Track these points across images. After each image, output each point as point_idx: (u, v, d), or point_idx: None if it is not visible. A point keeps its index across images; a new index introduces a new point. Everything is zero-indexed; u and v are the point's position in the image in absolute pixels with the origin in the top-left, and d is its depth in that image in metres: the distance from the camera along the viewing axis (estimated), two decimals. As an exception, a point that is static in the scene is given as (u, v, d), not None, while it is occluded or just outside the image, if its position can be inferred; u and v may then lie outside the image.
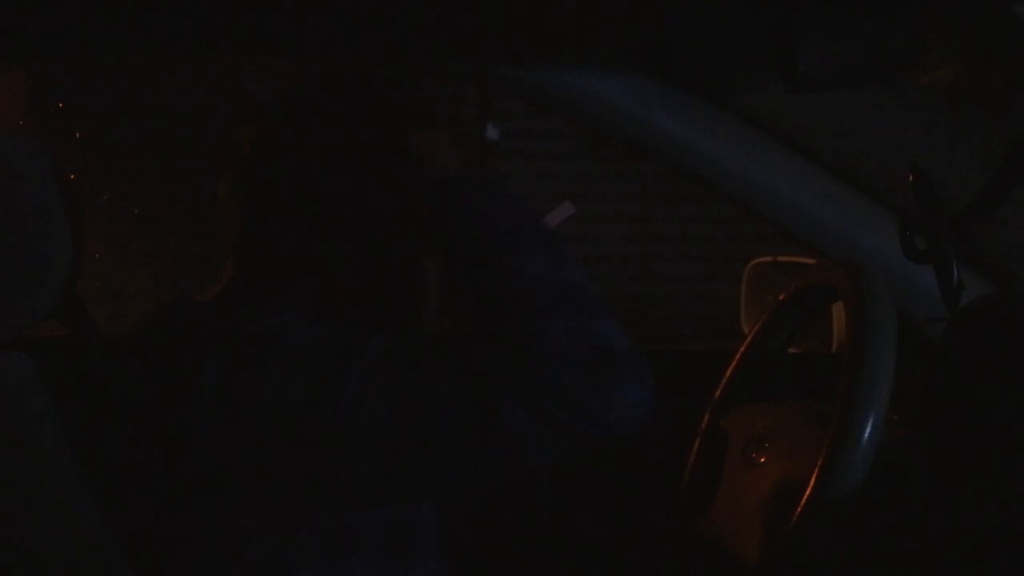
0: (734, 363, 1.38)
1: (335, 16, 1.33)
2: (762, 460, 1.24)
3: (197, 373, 0.97)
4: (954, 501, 1.06)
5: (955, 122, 4.92)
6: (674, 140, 1.54)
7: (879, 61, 1.22)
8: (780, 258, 1.69)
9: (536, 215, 1.06)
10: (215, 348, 0.98)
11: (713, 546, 1.29)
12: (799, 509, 1.07)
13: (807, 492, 1.06)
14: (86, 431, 1.03)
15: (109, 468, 1.02)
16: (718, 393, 1.38)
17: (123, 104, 4.90)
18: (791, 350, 1.47)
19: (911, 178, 1.22)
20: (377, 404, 0.94)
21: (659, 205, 5.35)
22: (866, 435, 1.05)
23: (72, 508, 0.98)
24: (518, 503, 1.67)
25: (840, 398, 1.08)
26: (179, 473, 0.98)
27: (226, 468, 0.97)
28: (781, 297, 1.36)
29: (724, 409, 1.37)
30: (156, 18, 1.34)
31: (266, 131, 1.10)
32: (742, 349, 1.38)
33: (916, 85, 4.80)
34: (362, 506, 1.02)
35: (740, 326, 1.73)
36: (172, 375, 0.99)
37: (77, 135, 4.95)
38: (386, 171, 1.08)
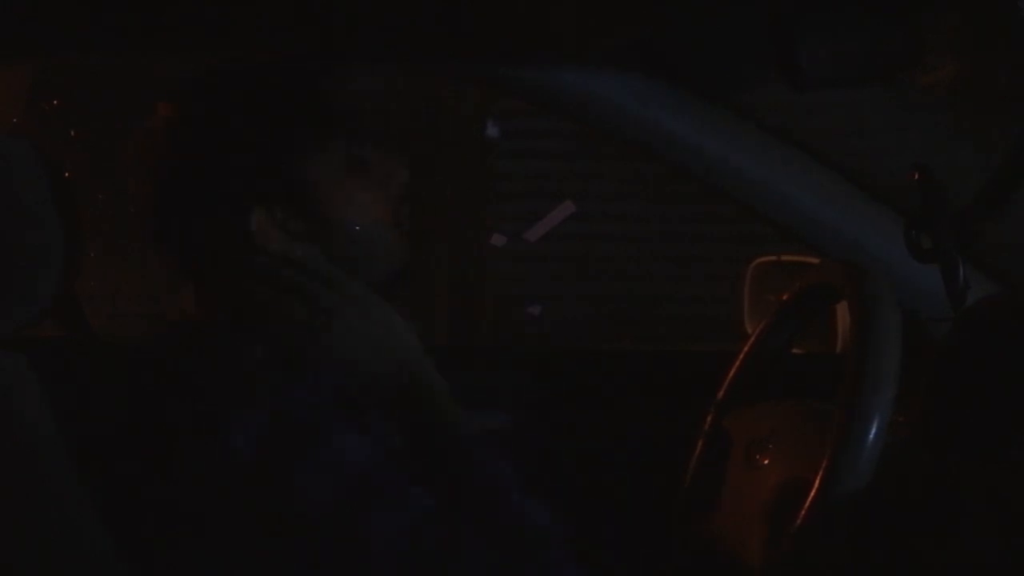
0: (737, 363, 1.38)
1: (335, 16, 1.33)
2: (765, 462, 1.24)
3: (224, 434, 0.97)
4: (957, 503, 1.05)
5: (957, 121, 4.92)
6: (674, 140, 1.54)
7: (881, 60, 1.22)
8: (783, 257, 1.69)
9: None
10: (244, 409, 0.98)
11: (715, 547, 1.29)
12: (803, 511, 1.07)
13: (811, 494, 1.06)
14: (83, 433, 1.03)
15: (104, 470, 1.01)
16: (721, 393, 1.38)
17: (120, 103, 4.89)
18: (795, 350, 1.46)
19: (915, 177, 1.22)
20: (398, 546, 0.97)
21: (659, 205, 5.35)
22: (870, 437, 1.04)
23: (67, 508, 0.98)
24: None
25: (844, 399, 1.07)
26: (171, 504, 0.98)
27: (218, 531, 0.97)
28: (784, 297, 1.36)
29: (727, 409, 1.36)
30: (156, 17, 1.34)
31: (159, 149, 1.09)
32: (745, 349, 1.38)
33: (919, 84, 4.80)
34: None
35: (743, 326, 1.73)
36: (196, 420, 0.99)
37: (73, 133, 4.95)
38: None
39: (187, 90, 1.11)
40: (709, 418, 1.38)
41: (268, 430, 0.98)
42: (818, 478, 1.06)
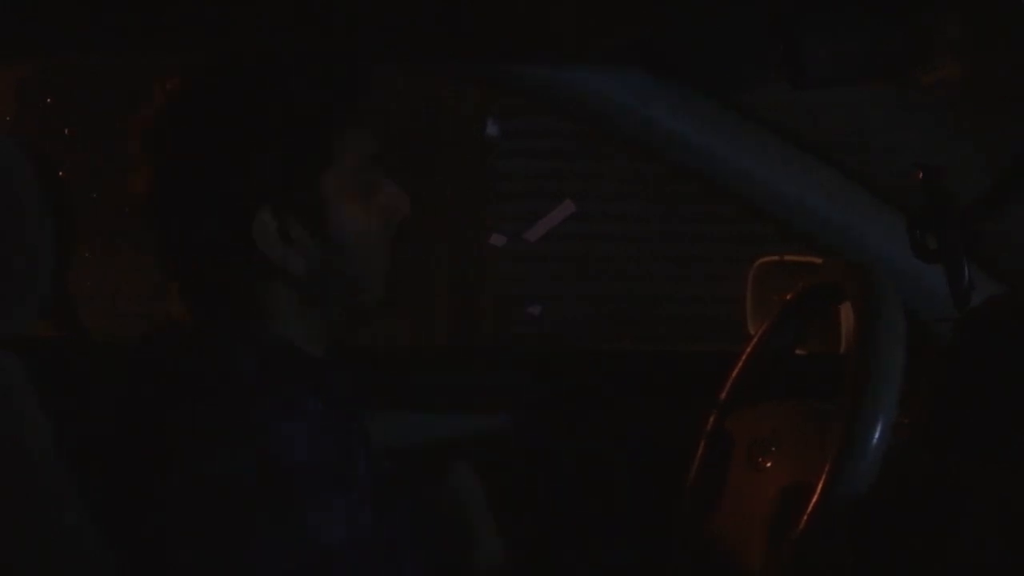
0: (740, 364, 1.38)
1: (335, 14, 1.33)
2: (768, 464, 1.24)
3: (225, 436, 0.98)
4: (957, 503, 1.05)
5: (959, 120, 4.91)
6: (676, 139, 1.54)
7: (885, 58, 1.22)
8: (787, 257, 1.69)
9: None
10: (245, 412, 0.98)
11: (716, 548, 1.29)
12: (806, 516, 1.06)
13: (814, 499, 1.06)
14: (81, 433, 1.03)
15: (103, 471, 1.01)
16: (724, 394, 1.38)
17: (114, 101, 4.88)
18: (798, 351, 1.46)
19: (920, 176, 1.21)
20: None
21: (659, 205, 5.35)
22: (874, 440, 1.04)
23: (60, 510, 0.98)
24: (520, 502, 1.67)
25: (848, 401, 1.07)
26: (170, 505, 0.98)
27: (217, 533, 0.97)
28: (787, 297, 1.36)
29: (730, 410, 1.36)
30: (156, 17, 1.34)
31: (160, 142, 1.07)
32: (748, 350, 1.37)
33: (923, 82, 4.80)
34: None
35: (746, 326, 1.73)
36: (195, 421, 0.99)
37: (66, 131, 4.94)
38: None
39: (199, 74, 1.08)
40: (711, 419, 1.38)
41: (268, 434, 0.98)
42: (821, 482, 1.05)
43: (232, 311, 1.07)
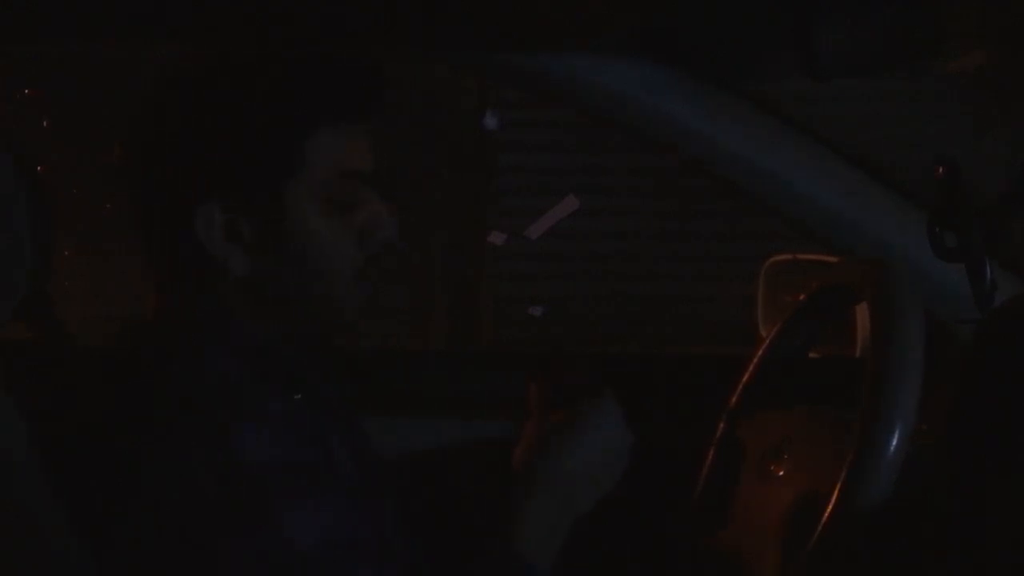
0: (751, 368, 1.38)
1: (329, 2, 1.33)
2: (780, 473, 1.24)
3: (202, 439, 1.00)
4: (982, 516, 1.05)
5: (984, 111, 4.92)
6: (687, 132, 1.54)
7: (901, 47, 1.22)
8: (800, 256, 1.69)
9: None
10: (196, 431, 1.00)
11: (727, 562, 1.29)
12: (819, 528, 1.06)
13: (828, 510, 1.06)
14: (52, 437, 1.03)
15: (73, 475, 1.02)
16: (734, 400, 1.38)
17: (96, 93, 4.89)
18: (812, 354, 1.46)
19: (940, 171, 1.22)
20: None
21: (667, 200, 5.35)
22: (892, 447, 1.04)
23: (36, 513, 0.99)
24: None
25: (864, 407, 1.07)
26: (149, 508, 1.00)
27: (198, 535, 0.98)
28: (800, 298, 1.36)
29: (740, 417, 1.37)
30: (151, 9, 1.34)
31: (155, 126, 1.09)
32: (759, 353, 1.38)
33: (942, 73, 4.80)
34: None
35: (758, 328, 1.73)
36: (176, 425, 1.01)
37: (45, 124, 4.94)
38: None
39: (183, 64, 1.11)
40: (721, 426, 1.38)
41: (229, 436, 1.00)
42: (836, 491, 1.06)
43: (201, 309, 1.09)
